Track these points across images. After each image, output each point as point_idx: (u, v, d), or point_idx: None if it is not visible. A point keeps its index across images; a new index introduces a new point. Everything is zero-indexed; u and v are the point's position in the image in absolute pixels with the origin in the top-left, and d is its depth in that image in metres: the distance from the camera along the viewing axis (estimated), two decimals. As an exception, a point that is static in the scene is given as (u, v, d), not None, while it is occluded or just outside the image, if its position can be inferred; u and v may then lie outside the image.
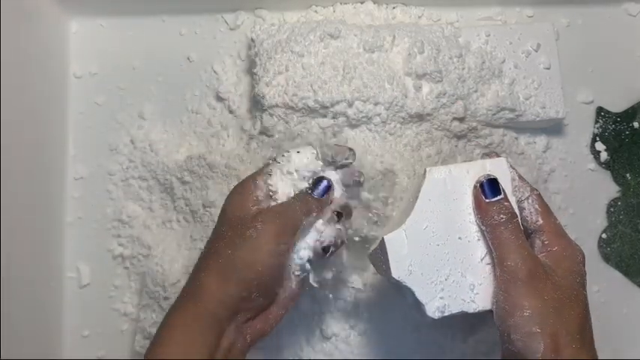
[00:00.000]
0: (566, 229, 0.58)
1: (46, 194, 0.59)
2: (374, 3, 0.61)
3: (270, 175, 0.45)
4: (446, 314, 0.41)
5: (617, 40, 0.63)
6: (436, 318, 0.41)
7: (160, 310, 0.56)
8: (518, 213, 0.42)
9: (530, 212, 0.43)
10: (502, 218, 0.41)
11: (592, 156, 0.62)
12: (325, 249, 0.44)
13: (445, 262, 0.41)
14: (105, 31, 0.64)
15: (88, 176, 0.62)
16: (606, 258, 0.60)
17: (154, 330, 0.56)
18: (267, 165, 0.46)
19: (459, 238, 0.42)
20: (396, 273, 0.41)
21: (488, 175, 0.42)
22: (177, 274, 0.56)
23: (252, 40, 0.57)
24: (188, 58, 0.63)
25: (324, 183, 0.45)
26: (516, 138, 0.59)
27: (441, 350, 0.55)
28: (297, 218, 0.43)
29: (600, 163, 0.61)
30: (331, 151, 0.47)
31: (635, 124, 0.61)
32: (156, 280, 0.56)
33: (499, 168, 0.43)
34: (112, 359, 0.59)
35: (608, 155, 0.61)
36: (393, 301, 0.54)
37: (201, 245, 0.56)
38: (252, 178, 0.45)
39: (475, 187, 0.42)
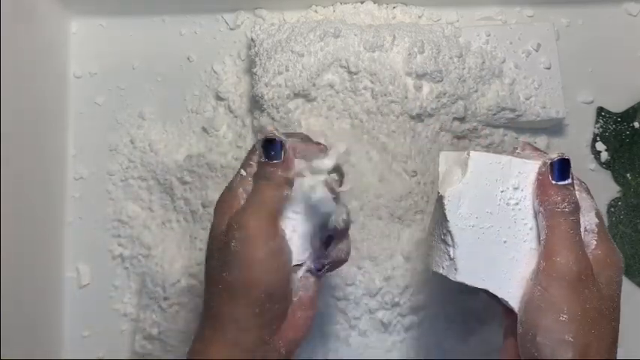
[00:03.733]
0: (566, 229, 0.59)
1: (46, 194, 0.59)
2: (374, 3, 0.61)
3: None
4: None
5: (617, 40, 0.63)
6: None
7: (160, 310, 0.56)
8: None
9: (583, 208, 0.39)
10: (565, 207, 0.37)
11: (592, 156, 0.62)
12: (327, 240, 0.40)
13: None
14: (105, 31, 0.64)
15: (88, 176, 0.62)
16: (606, 258, 0.60)
17: (153, 330, 0.56)
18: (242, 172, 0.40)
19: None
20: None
21: (562, 154, 0.38)
22: (177, 274, 0.56)
23: (252, 40, 0.57)
24: (188, 58, 0.63)
25: (276, 144, 0.38)
26: (516, 138, 0.59)
27: (440, 350, 0.55)
28: (271, 201, 0.38)
29: (601, 163, 0.61)
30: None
31: (636, 124, 0.61)
32: (156, 281, 0.56)
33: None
34: (111, 359, 0.59)
35: (608, 155, 0.61)
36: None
37: (202, 245, 0.56)
38: (230, 189, 0.40)
39: (544, 163, 0.39)
